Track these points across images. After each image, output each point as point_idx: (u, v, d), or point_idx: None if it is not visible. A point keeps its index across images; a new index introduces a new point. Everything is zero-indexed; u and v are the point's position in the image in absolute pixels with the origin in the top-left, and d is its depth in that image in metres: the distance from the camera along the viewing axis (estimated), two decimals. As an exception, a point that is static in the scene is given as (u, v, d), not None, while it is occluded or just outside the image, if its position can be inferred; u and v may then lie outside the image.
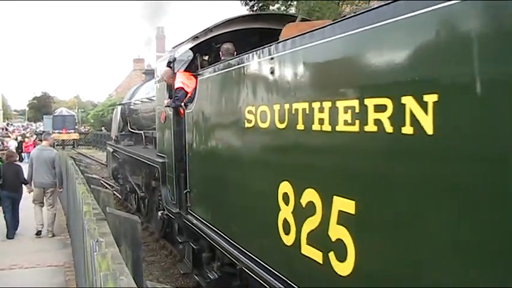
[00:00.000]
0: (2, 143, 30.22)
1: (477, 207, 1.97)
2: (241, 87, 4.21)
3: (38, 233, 9.41)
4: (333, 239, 2.90)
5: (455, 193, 2.07)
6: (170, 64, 6.39)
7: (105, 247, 2.78)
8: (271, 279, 3.74)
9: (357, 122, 2.64)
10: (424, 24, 2.21)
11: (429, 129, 2.16)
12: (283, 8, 16.73)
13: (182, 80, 5.86)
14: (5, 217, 9.47)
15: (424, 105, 2.18)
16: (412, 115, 2.25)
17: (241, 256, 4.35)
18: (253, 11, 16.35)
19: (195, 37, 6.30)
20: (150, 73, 11.51)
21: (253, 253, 4.11)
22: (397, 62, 2.39)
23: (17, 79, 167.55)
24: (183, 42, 6.53)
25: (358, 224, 2.70)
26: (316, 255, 3.09)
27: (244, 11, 16.89)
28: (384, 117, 2.43)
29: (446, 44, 2.11)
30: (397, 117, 2.34)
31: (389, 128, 2.40)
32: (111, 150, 12.98)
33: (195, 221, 5.60)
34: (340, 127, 2.79)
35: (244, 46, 5.04)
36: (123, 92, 34.84)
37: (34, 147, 24.79)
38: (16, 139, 31.62)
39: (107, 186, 14.45)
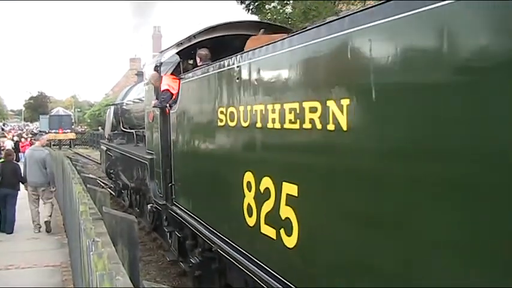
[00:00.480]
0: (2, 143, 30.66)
1: (374, 184, 2.62)
2: (214, 90, 4.87)
3: (36, 230, 9.88)
4: (283, 218, 3.54)
5: (363, 175, 2.71)
6: (157, 68, 7.05)
7: (102, 247, 2.81)
8: (239, 257, 4.38)
9: (298, 120, 3.28)
10: (337, 47, 2.87)
11: (344, 126, 2.80)
12: (279, 7, 16.77)
13: (168, 83, 6.50)
14: (0, 213, 9.95)
15: (341, 108, 2.82)
16: (334, 115, 2.88)
17: (216, 240, 4.99)
18: (249, 9, 16.54)
19: (180, 43, 6.96)
20: (141, 74, 12.17)
21: (226, 236, 4.76)
22: (323, 74, 3.04)
23: (13, 79, 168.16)
24: (168, 48, 7.19)
25: (300, 204, 3.34)
26: (271, 232, 3.73)
27: (240, 9, 16.90)
28: (316, 117, 3.07)
29: (352, 62, 2.75)
30: (324, 117, 2.98)
31: (319, 125, 3.04)
32: (105, 148, 13.68)
33: (179, 211, 6.26)
34: (287, 125, 3.43)
35: (227, 51, 5.68)
36: (120, 92, 35.28)
37: (30, 146, 25.37)
38: (12, 139, 31.93)
39: (104, 185, 15.00)
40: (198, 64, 6.09)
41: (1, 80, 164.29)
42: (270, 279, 3.79)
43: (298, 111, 3.27)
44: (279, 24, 6.68)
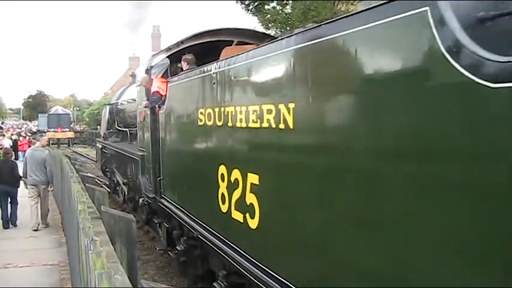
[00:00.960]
0: None
1: (312, 172, 3.25)
2: (195, 93, 5.52)
3: (34, 228, 10.30)
4: (248, 203, 4.18)
5: (305, 166, 3.35)
6: (148, 71, 7.71)
7: (100, 246, 2.87)
8: (216, 241, 5.02)
9: (258, 120, 3.92)
10: (283, 61, 3.53)
11: (291, 125, 3.44)
12: (278, 7, 16.89)
13: (157, 85, 7.15)
14: (1, 209, 10.53)
15: (288, 110, 3.46)
16: (283, 116, 3.52)
17: (198, 227, 5.63)
18: (248, 9, 16.76)
19: (169, 48, 7.64)
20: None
21: (205, 223, 5.40)
22: (275, 83, 3.69)
23: (12, 78, 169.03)
24: (158, 52, 7.86)
25: (260, 191, 3.98)
26: (240, 216, 4.37)
27: (239, 9, 17.03)
28: (271, 117, 3.71)
29: (295, 73, 3.40)
30: (277, 117, 3.62)
31: (273, 125, 3.68)
32: (100, 146, 14.39)
33: (166, 203, 6.92)
34: (250, 124, 4.07)
35: (214, 55, 6.33)
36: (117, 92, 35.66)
37: (29, 145, 25.91)
38: (11, 138, 32.31)
39: (99, 182, 15.63)
40: (184, 68, 6.74)
41: (0, 78, 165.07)
42: (240, 258, 4.43)
43: (258, 113, 3.91)
44: (259, 31, 7.30)
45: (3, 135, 36.16)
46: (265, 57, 3.79)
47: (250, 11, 16.80)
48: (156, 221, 8.05)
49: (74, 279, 6.30)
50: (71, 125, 50.48)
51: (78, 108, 71.14)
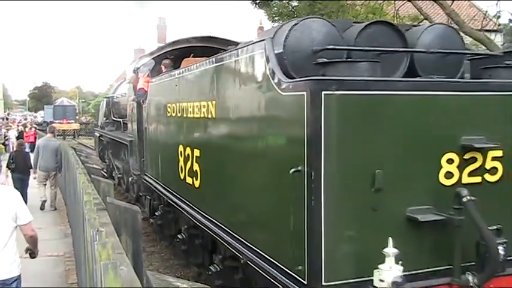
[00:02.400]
0: (4, 133, 32.88)
1: (225, 148, 5.27)
2: (166, 92, 7.58)
3: (42, 206, 12.15)
4: (194, 170, 6.21)
5: (221, 143, 5.37)
6: (135, 71, 9.81)
7: (106, 237, 2.90)
8: (180, 202, 7.05)
9: (199, 112, 5.94)
10: (209, 74, 5.58)
11: (214, 115, 5.46)
12: (285, 0, 17.31)
13: (143, 83, 9.21)
14: None
15: (213, 105, 5.47)
16: (210, 109, 5.54)
17: (169, 195, 7.67)
18: (255, 3, 17.06)
19: (152, 52, 9.73)
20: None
21: (172, 190, 7.45)
22: (206, 87, 5.72)
23: (18, 69, 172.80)
24: (144, 55, 9.96)
25: (201, 161, 6.01)
26: (190, 180, 6.41)
27: (247, 4, 17.99)
28: (205, 110, 5.73)
29: (214, 82, 5.42)
30: (207, 110, 5.64)
31: (206, 115, 5.71)
32: (98, 135, 16.67)
33: (148, 179, 9.01)
34: (195, 115, 6.10)
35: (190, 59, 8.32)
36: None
37: (35, 137, 27.85)
38: (17, 129, 34.02)
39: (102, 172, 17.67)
40: (163, 71, 8.78)
41: (6, 70, 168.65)
42: (188, 209, 6.47)
43: (199, 107, 5.94)
44: (226, 38, 9.27)
45: (10, 126, 38.10)
46: (201, 70, 5.83)
47: (257, 4, 17.14)
48: (141, 194, 10.18)
49: (79, 270, 6.56)
50: (77, 117, 52.14)
51: (83, 100, 73.44)
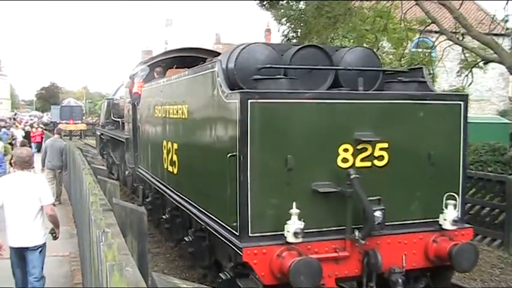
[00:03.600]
0: (12, 133, 34.37)
1: (192, 140, 7.02)
2: (154, 96, 9.36)
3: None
4: (174, 160, 7.97)
5: (191, 138, 7.12)
6: (131, 77, 11.64)
7: (111, 237, 2.99)
8: (165, 189, 8.80)
9: (176, 113, 7.69)
10: (183, 85, 7.35)
11: (186, 116, 7.22)
12: (292, 3, 17.81)
13: (137, 88, 11.00)
14: None
15: (186, 108, 7.23)
16: (184, 111, 7.30)
17: (157, 183, 9.43)
18: (262, 5, 17.75)
19: (146, 61, 11.56)
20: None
21: (158, 177, 9.22)
22: (182, 94, 7.48)
23: (25, 69, 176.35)
24: (139, 63, 11.80)
25: (178, 152, 7.77)
26: (171, 169, 8.17)
27: (255, 6, 18.38)
28: (180, 112, 7.49)
29: (186, 91, 7.18)
30: (182, 112, 7.40)
31: (181, 116, 7.46)
32: (99, 133, 18.69)
33: (141, 171, 10.79)
34: (173, 116, 7.86)
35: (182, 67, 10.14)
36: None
37: (41, 137, 29.65)
38: (24, 129, 34.63)
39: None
40: (155, 77, 10.55)
41: (14, 70, 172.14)
42: (171, 194, 8.22)
43: (176, 109, 7.70)
44: (210, 49, 10.98)
45: (16, 126, 39.78)
46: (178, 80, 7.60)
47: (264, 6, 17.72)
48: (135, 185, 12.00)
49: (84, 270, 6.67)
50: (83, 117, 53.82)
51: (90, 101, 75.80)
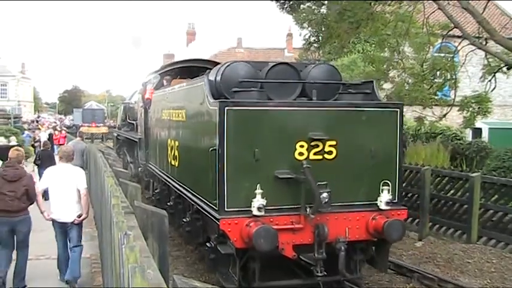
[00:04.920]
0: (34, 135, 35.58)
1: (188, 140, 9.03)
2: (161, 101, 11.43)
3: None
4: (175, 155, 9.99)
5: (187, 137, 9.12)
6: (144, 84, 13.78)
7: (133, 240, 3.17)
8: (168, 179, 10.81)
9: (178, 116, 9.72)
10: (182, 94, 9.41)
11: (185, 119, 9.23)
12: (314, 7, 17.59)
13: (149, 94, 13.08)
14: None
15: (184, 112, 9.25)
16: (183, 115, 9.31)
17: (163, 175, 11.45)
18: (283, 8, 17.95)
19: (157, 71, 13.68)
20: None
21: (164, 171, 11.25)
22: (181, 101, 9.51)
23: (49, 72, 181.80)
24: (152, 73, 13.94)
25: (179, 149, 9.78)
26: (174, 163, 10.20)
27: (274, 7, 18.48)
28: (181, 115, 9.51)
29: (184, 99, 9.21)
30: (182, 115, 9.42)
31: (181, 119, 9.48)
32: (116, 135, 21.12)
33: (151, 166, 12.87)
34: (176, 118, 9.90)
35: (186, 75, 12.21)
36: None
37: (64, 139, 31.95)
38: (45, 130, 36.70)
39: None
40: (164, 85, 12.59)
41: (37, 73, 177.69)
42: (174, 183, 10.22)
43: (178, 113, 9.72)
44: (213, 60, 13.01)
45: (39, 129, 41.98)
46: (179, 89, 9.63)
47: (285, 9, 17.94)
48: (145, 179, 14.12)
49: (105, 272, 6.87)
50: (105, 120, 56.17)
51: (112, 104, 78.54)
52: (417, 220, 12.74)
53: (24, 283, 8.01)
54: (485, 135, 23.50)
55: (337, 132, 7.67)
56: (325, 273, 7.55)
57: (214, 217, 7.37)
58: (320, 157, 7.59)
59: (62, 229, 8.27)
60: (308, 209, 7.39)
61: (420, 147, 18.57)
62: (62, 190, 8.10)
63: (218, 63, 11.72)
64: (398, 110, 7.98)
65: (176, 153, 9.94)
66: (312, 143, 7.53)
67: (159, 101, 12.11)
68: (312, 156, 7.54)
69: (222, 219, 7.15)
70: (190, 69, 13.07)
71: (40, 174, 13.25)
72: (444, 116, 16.13)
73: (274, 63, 8.48)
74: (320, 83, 8.38)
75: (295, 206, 7.48)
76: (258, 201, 7.13)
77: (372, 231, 7.70)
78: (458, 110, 15.84)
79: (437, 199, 12.78)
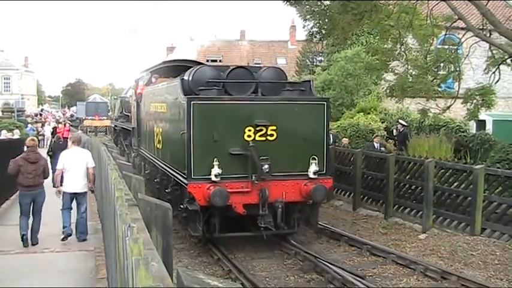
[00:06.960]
0: (38, 128, 37.86)
1: (168, 128, 12.09)
2: (149, 96, 14.54)
3: None
4: (160, 139, 13.04)
5: (168, 126, 12.19)
6: (136, 81, 16.93)
7: (137, 232, 3.20)
8: (155, 160, 13.86)
9: (161, 108, 12.76)
10: (164, 90, 12.47)
11: (165, 111, 12.27)
12: None
13: (140, 89, 16.13)
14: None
15: (165, 105, 12.28)
16: (164, 107, 12.36)
17: (150, 157, 14.51)
18: (287, 0, 16.97)
19: (149, 69, 16.75)
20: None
21: (152, 154, 14.33)
22: (163, 96, 12.56)
23: (52, 65, 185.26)
24: (144, 71, 17.05)
25: (162, 135, 12.82)
26: (158, 145, 13.25)
27: (280, 3, 16.85)
28: (163, 108, 12.54)
29: (165, 95, 12.27)
30: (163, 108, 12.46)
31: (163, 111, 12.52)
32: (113, 125, 24.49)
33: (142, 151, 15.95)
34: (159, 110, 12.95)
35: (174, 73, 15.26)
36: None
37: (68, 132, 34.66)
38: (49, 124, 39.27)
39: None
40: (153, 82, 15.64)
41: (40, 66, 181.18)
42: (159, 162, 13.27)
43: (161, 106, 12.76)
44: (194, 59, 16.03)
45: (44, 122, 43.93)
46: (162, 87, 12.70)
47: (288, 1, 17.32)
48: (138, 162, 17.28)
49: (109, 265, 7.02)
50: (109, 113, 58.60)
51: (115, 97, 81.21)
52: (421, 212, 12.96)
53: (37, 239, 10.36)
54: (489, 127, 23.65)
55: (277, 119, 10.61)
56: (273, 229, 10.65)
57: (184, 183, 10.39)
58: (264, 138, 10.54)
59: (72, 199, 10.80)
60: (254, 177, 10.37)
61: (423, 139, 18.81)
62: (76, 167, 10.75)
63: (201, 63, 14.77)
64: (325, 103, 10.95)
65: (160, 138, 12.96)
66: (258, 128, 10.47)
67: (148, 96, 15.13)
68: (257, 138, 10.50)
69: (190, 184, 10.14)
70: (176, 68, 16.04)
71: (52, 165, 14.21)
72: (448, 108, 16.37)
73: (233, 67, 11.47)
74: (266, 82, 11.35)
75: (245, 175, 10.44)
76: (215, 170, 10.12)
77: (304, 194, 10.63)
78: (462, 103, 15.86)
79: (441, 191, 12.83)
